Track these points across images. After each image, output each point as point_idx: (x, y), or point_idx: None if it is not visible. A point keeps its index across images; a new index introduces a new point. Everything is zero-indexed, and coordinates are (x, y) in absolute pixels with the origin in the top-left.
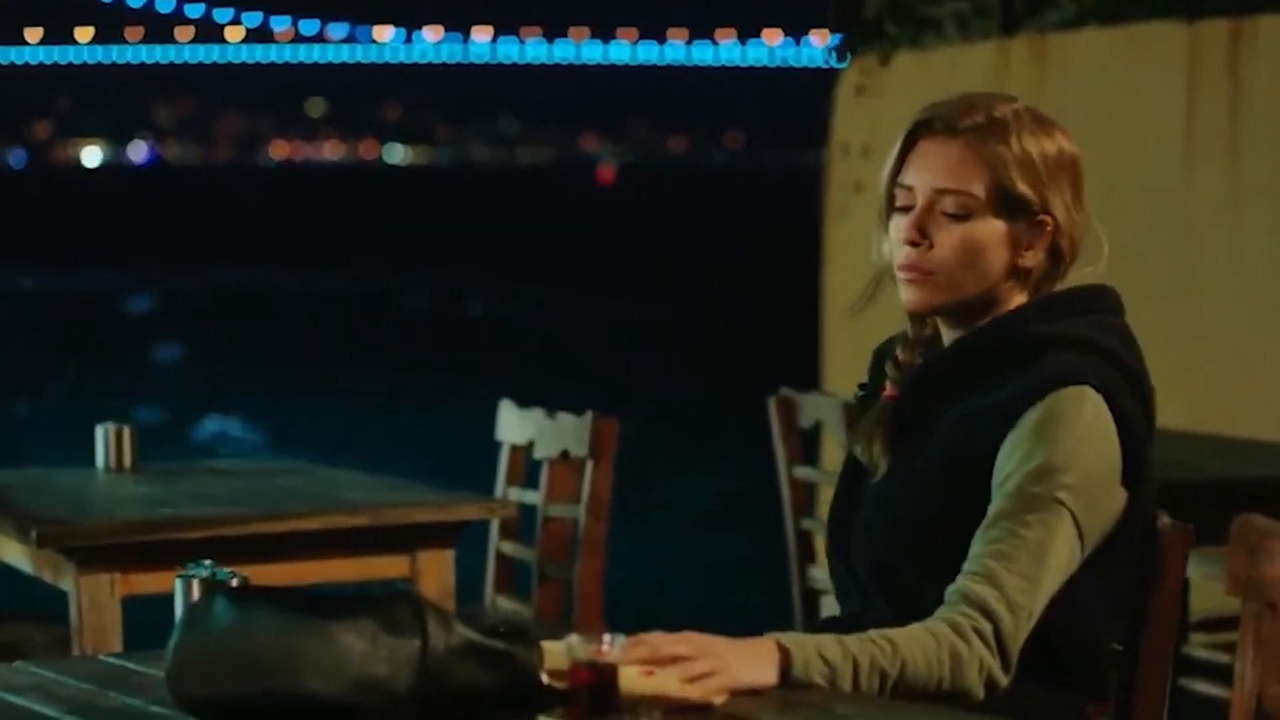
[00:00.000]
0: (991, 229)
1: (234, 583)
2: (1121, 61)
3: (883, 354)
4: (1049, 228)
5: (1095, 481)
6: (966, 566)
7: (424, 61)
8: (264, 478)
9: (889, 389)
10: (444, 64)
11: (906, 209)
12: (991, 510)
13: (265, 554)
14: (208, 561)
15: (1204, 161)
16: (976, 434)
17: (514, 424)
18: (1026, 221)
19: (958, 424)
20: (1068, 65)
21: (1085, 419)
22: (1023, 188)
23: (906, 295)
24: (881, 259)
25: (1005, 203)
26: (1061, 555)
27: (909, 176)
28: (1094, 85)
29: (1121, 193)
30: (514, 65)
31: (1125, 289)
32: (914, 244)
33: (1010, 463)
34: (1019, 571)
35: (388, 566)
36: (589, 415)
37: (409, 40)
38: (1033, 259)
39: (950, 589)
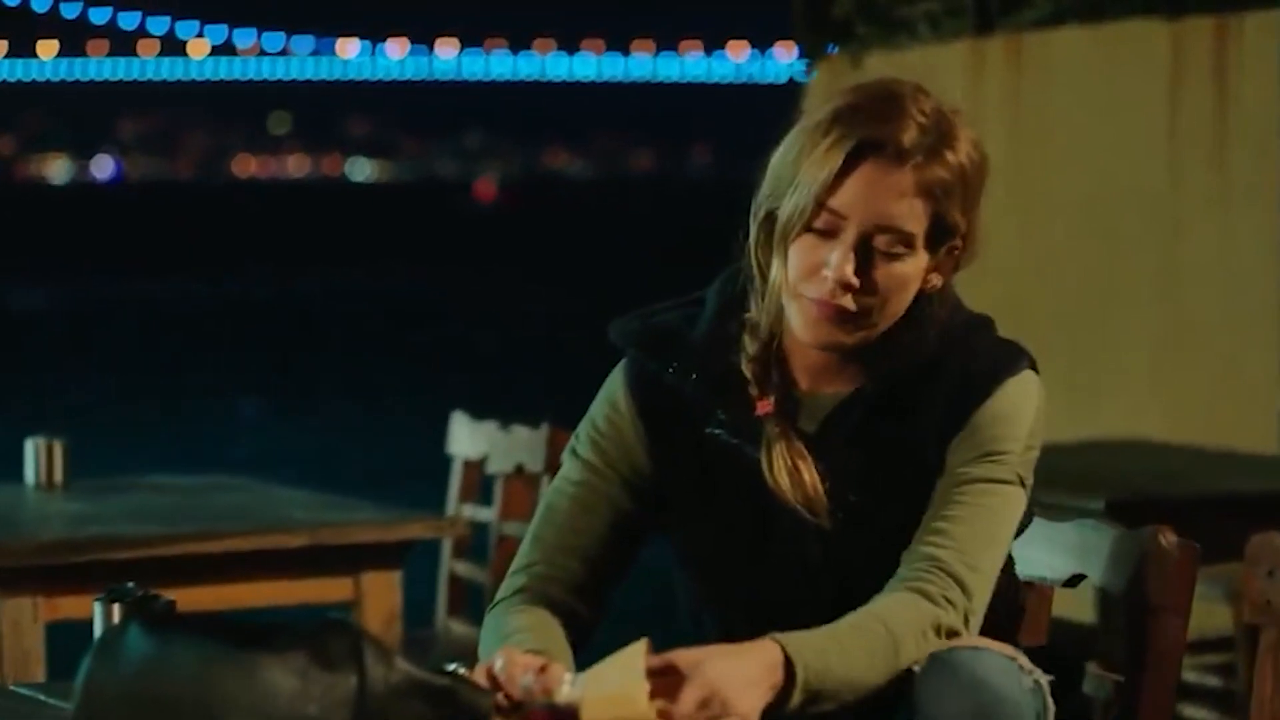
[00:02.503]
0: (919, 264)
1: (159, 607)
2: (1102, 61)
3: (710, 356)
4: (958, 251)
5: (1036, 451)
6: (924, 533)
7: (389, 79)
8: (202, 494)
9: (765, 402)
10: (409, 81)
11: (826, 234)
12: (945, 485)
13: (198, 576)
14: (130, 584)
15: (1189, 162)
16: (933, 436)
17: (466, 437)
18: (947, 248)
19: (916, 439)
20: (1046, 65)
21: (1033, 402)
22: (956, 216)
23: (816, 332)
24: (772, 281)
25: (937, 234)
26: (1014, 521)
27: (844, 202)
28: (1074, 85)
29: (1105, 194)
30: (480, 83)
31: (1111, 291)
32: (849, 287)
33: (965, 451)
34: (979, 535)
35: (330, 589)
36: (544, 426)
37: (373, 53)
38: (936, 281)
39: (910, 552)
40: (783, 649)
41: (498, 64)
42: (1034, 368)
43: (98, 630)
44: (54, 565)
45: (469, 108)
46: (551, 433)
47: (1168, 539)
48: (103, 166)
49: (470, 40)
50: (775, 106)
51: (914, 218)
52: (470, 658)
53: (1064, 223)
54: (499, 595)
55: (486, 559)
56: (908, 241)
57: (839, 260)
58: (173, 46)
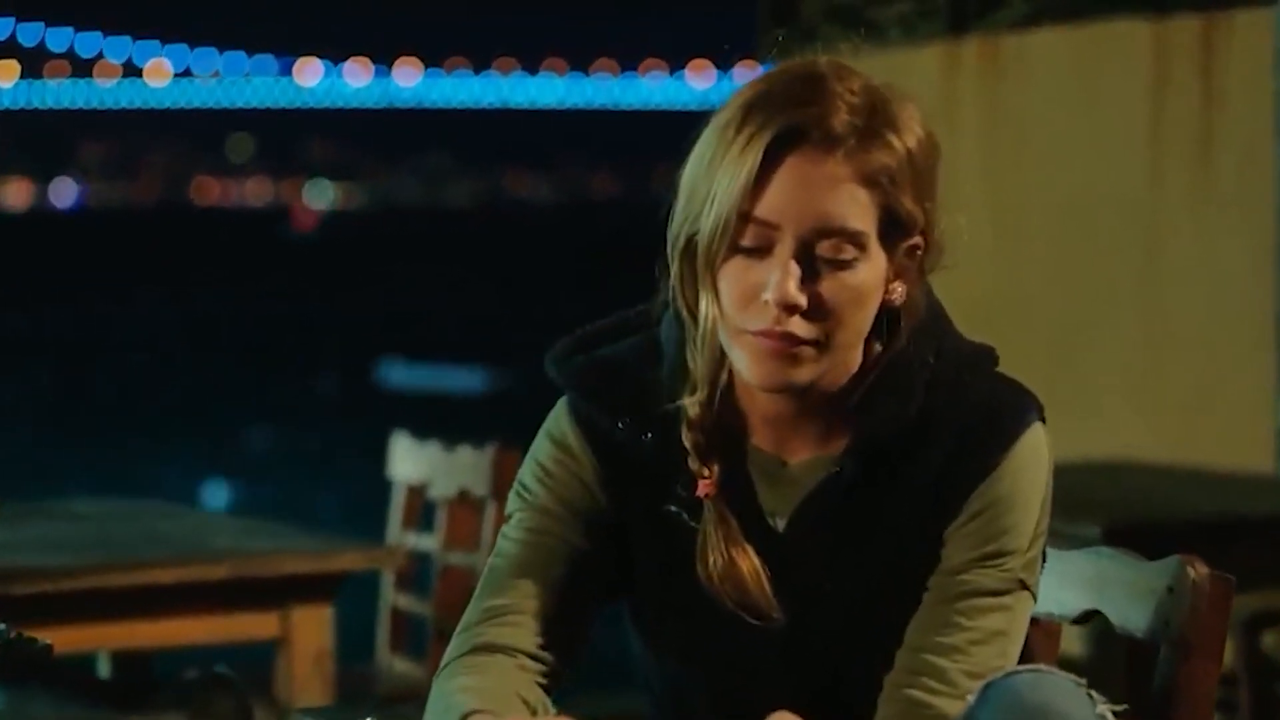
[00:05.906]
0: (875, 270)
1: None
2: (1082, 62)
3: (667, 417)
4: (920, 250)
5: (1045, 532)
6: (917, 664)
7: (349, 107)
8: (124, 522)
9: (707, 482)
10: (371, 109)
11: (758, 251)
12: (941, 589)
13: (112, 612)
14: (2, 625)
15: (1172, 165)
16: (921, 517)
17: (407, 459)
18: (905, 247)
19: (900, 520)
20: (1023, 67)
21: (1043, 467)
22: (909, 207)
23: (764, 372)
24: (703, 321)
25: (890, 230)
26: (1021, 635)
27: (772, 208)
28: (1052, 88)
29: (1085, 201)
30: (441, 109)
31: (1091, 299)
32: (792, 309)
33: (966, 546)
34: (979, 669)
35: (255, 625)
36: (490, 448)
37: (335, 75)
38: (900, 291)
39: (903, 691)
40: None
41: (460, 89)
42: (1041, 417)
43: None
44: None
45: (432, 131)
46: (497, 454)
47: (1198, 571)
48: (62, 192)
49: (432, 60)
50: None
51: (859, 213)
52: (412, 697)
53: (1042, 229)
54: (446, 657)
55: (429, 590)
56: (857, 242)
57: (779, 278)
58: (132, 71)
